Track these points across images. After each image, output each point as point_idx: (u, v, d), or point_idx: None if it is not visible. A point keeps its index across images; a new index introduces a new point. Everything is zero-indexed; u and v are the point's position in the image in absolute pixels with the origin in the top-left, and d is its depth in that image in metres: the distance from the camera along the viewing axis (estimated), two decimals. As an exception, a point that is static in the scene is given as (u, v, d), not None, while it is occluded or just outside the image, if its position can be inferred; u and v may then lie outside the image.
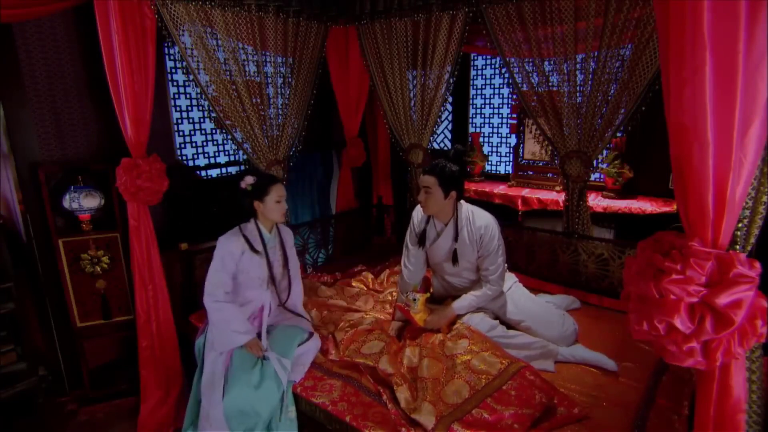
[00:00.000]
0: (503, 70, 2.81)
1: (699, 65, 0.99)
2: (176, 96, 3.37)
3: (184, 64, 2.59)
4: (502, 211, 4.13)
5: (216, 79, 2.68)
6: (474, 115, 4.84)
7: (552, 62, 2.65)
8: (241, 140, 2.91)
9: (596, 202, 3.63)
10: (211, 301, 2.13)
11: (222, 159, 3.75)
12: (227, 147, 3.76)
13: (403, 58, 3.22)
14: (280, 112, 3.12)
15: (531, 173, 4.29)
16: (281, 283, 2.34)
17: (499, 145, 4.73)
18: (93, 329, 2.71)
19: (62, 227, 2.64)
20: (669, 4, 1.03)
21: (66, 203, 2.56)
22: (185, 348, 2.47)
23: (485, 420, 1.69)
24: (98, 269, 2.66)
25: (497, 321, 2.29)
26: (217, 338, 2.11)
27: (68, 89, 2.70)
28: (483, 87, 4.71)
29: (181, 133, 3.44)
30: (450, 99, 4.71)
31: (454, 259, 2.29)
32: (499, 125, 4.69)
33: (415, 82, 3.29)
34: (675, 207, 2.53)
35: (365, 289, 2.98)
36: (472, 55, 4.53)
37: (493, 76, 4.62)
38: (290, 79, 3.12)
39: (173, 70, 3.32)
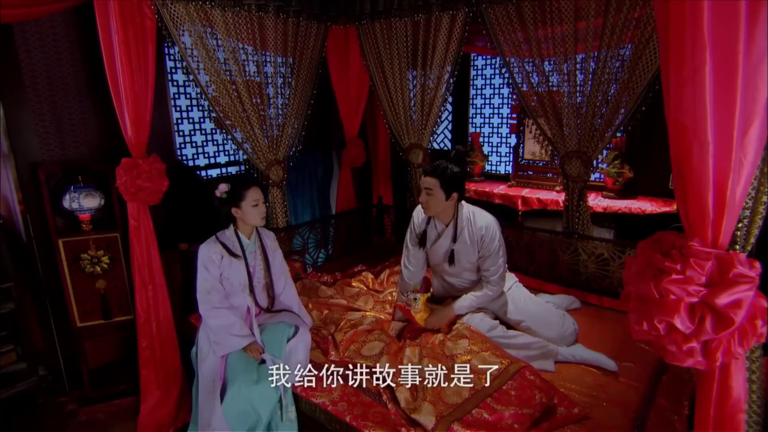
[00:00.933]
0: (503, 70, 2.81)
1: (699, 65, 0.99)
2: (176, 96, 3.37)
3: (184, 64, 2.59)
4: (502, 211, 4.13)
5: (216, 79, 2.68)
6: (474, 115, 4.83)
7: (552, 62, 2.65)
8: (241, 140, 2.91)
9: (596, 202, 3.63)
10: (209, 308, 2.12)
11: (222, 159, 3.75)
12: (227, 147, 3.76)
13: (403, 58, 3.22)
14: (280, 112, 3.12)
15: (531, 173, 4.28)
16: (265, 289, 2.33)
17: (499, 145, 4.73)
18: (93, 329, 2.71)
19: (62, 227, 2.63)
20: (669, 4, 1.03)
21: (66, 203, 2.56)
22: (185, 348, 2.47)
23: (485, 420, 1.69)
24: (98, 269, 2.66)
25: (497, 321, 2.29)
26: (218, 345, 2.10)
27: (68, 89, 2.70)
28: (483, 87, 4.71)
29: (181, 133, 3.44)
30: (450, 99, 4.71)
31: (451, 259, 2.29)
32: (499, 125, 4.68)
33: (415, 82, 3.29)
34: (675, 207, 2.53)
35: (365, 289, 2.97)
36: (472, 55, 4.53)
37: (493, 76, 4.62)
38: (290, 79, 3.12)
39: (173, 70, 3.32)
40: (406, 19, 3.10)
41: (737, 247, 1.12)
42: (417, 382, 1.89)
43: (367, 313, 2.59)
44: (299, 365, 2.11)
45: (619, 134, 2.70)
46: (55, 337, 2.76)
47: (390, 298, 2.80)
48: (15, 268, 2.40)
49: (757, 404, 1.22)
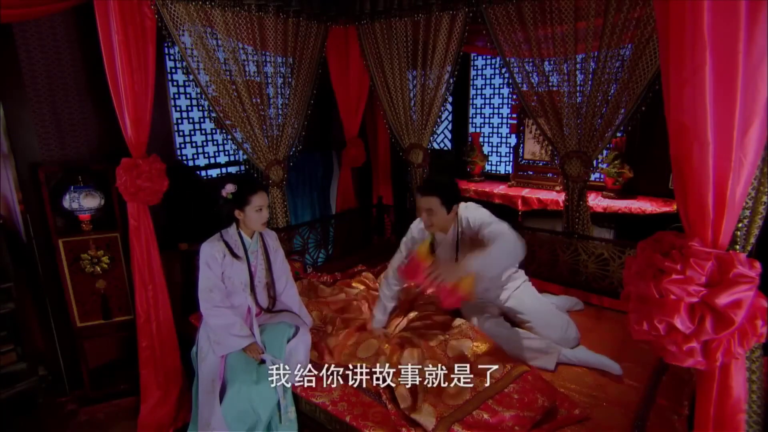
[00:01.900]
0: (503, 70, 2.81)
1: (699, 65, 0.99)
2: (176, 96, 3.37)
3: (184, 64, 2.59)
4: (502, 211, 4.12)
5: (216, 79, 2.68)
6: (474, 115, 4.83)
7: (552, 62, 2.65)
8: (241, 140, 2.91)
9: (596, 202, 3.62)
10: (210, 306, 2.12)
11: (222, 159, 3.75)
12: (227, 147, 3.76)
13: (403, 58, 3.22)
14: (280, 112, 3.12)
15: (531, 173, 4.28)
16: (266, 288, 2.33)
17: (499, 145, 4.73)
18: (93, 329, 2.71)
19: (62, 227, 2.63)
20: (669, 4, 1.03)
21: (66, 203, 2.56)
22: (185, 348, 2.47)
23: (486, 421, 1.69)
24: (98, 269, 2.66)
25: (509, 324, 2.30)
26: (218, 344, 2.10)
27: (68, 89, 2.70)
28: (483, 87, 4.71)
29: (181, 133, 3.44)
30: (450, 99, 4.71)
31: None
32: (499, 125, 4.69)
33: (415, 82, 3.29)
34: (675, 207, 2.53)
35: (365, 289, 2.97)
36: (472, 55, 4.53)
37: (493, 76, 4.62)
38: (290, 79, 3.12)
39: (173, 70, 3.32)
40: (406, 19, 3.10)
41: (737, 247, 1.12)
42: (417, 382, 1.89)
43: (362, 314, 2.59)
44: (299, 366, 2.11)
45: (619, 134, 2.70)
46: (55, 337, 2.76)
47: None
48: (15, 268, 2.40)
49: (757, 404, 1.22)
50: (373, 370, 2.00)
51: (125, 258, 2.68)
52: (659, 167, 3.57)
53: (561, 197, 3.36)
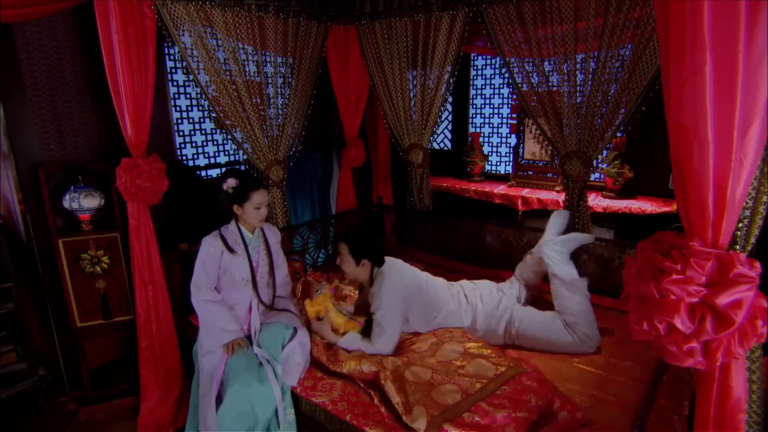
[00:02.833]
0: (503, 70, 2.81)
1: (699, 65, 0.99)
2: (176, 96, 3.37)
3: (184, 64, 2.58)
4: (502, 211, 4.13)
5: (216, 79, 2.68)
6: (474, 115, 4.83)
7: (552, 62, 2.65)
8: (241, 140, 2.91)
9: (596, 202, 3.62)
10: (198, 300, 2.16)
11: (222, 159, 3.75)
12: (227, 147, 3.76)
13: (403, 58, 3.22)
14: (280, 112, 3.12)
15: (531, 173, 4.28)
16: (268, 285, 2.33)
17: (499, 145, 4.73)
18: (93, 329, 2.71)
19: (62, 227, 2.63)
20: (669, 4, 1.03)
21: (66, 203, 2.56)
22: (185, 348, 2.47)
23: (477, 423, 1.68)
24: (98, 269, 2.66)
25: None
26: (205, 337, 2.13)
27: (68, 89, 2.70)
28: (483, 87, 4.71)
29: (181, 133, 3.44)
30: (450, 99, 4.72)
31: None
32: (499, 125, 4.69)
33: (415, 82, 3.29)
34: (675, 207, 2.53)
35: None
36: (472, 55, 4.53)
37: (493, 76, 4.62)
38: (290, 79, 3.12)
39: (173, 70, 3.32)
40: (406, 19, 3.10)
41: (737, 247, 1.12)
42: (406, 386, 1.87)
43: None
44: (298, 368, 2.11)
45: (619, 134, 2.70)
46: (55, 337, 2.76)
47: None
48: (15, 268, 2.39)
49: (757, 404, 1.22)
50: (359, 370, 2.00)
51: (125, 258, 2.68)
52: (659, 167, 3.57)
53: (561, 197, 3.36)
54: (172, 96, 3.33)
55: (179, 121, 3.42)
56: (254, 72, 2.94)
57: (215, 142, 3.69)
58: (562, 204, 2.96)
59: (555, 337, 2.22)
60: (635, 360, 2.10)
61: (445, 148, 5.03)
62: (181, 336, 2.56)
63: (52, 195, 2.56)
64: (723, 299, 1.04)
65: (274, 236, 2.38)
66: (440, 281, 2.42)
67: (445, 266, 3.29)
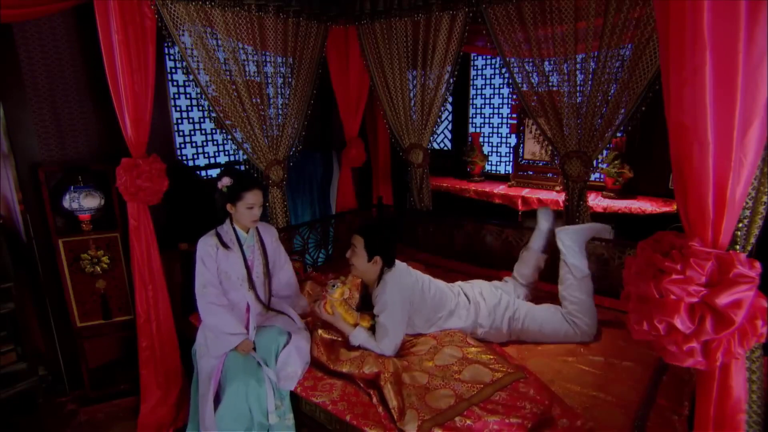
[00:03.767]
0: (503, 70, 2.81)
1: (699, 65, 0.99)
2: (176, 96, 3.37)
3: (184, 64, 2.59)
4: (502, 211, 4.13)
5: (216, 79, 2.68)
6: (474, 115, 4.84)
7: (552, 62, 2.65)
8: (241, 140, 2.91)
9: (596, 202, 3.63)
10: (205, 303, 2.12)
11: (222, 159, 3.75)
12: (227, 147, 3.76)
13: (403, 58, 3.23)
14: (280, 112, 3.12)
15: (531, 173, 4.29)
16: (264, 285, 2.33)
17: (499, 145, 4.73)
18: (93, 329, 2.71)
19: (62, 227, 2.63)
20: (669, 4, 1.03)
21: (66, 203, 2.56)
22: (185, 348, 2.47)
23: (469, 427, 1.67)
24: (98, 269, 2.66)
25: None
26: (212, 343, 2.10)
27: (68, 89, 2.70)
28: (483, 87, 4.71)
29: (181, 133, 3.44)
30: (450, 99, 4.72)
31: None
32: (499, 125, 4.69)
33: (415, 82, 3.29)
34: (675, 207, 2.53)
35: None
36: (472, 55, 4.53)
37: (493, 76, 4.62)
38: (290, 79, 3.12)
39: (173, 70, 3.32)
40: (406, 19, 3.10)
41: (737, 247, 1.12)
42: (403, 389, 1.87)
43: None
44: (295, 373, 2.08)
45: (619, 134, 2.70)
46: (55, 337, 2.76)
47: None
48: (15, 268, 2.39)
49: (757, 404, 1.22)
50: (359, 372, 2.00)
51: (125, 258, 2.68)
52: (659, 167, 3.57)
53: (561, 197, 3.36)
54: (172, 96, 3.33)
55: (179, 121, 3.42)
56: (254, 72, 2.94)
57: (215, 142, 3.69)
58: (562, 204, 2.97)
59: (557, 329, 2.29)
60: (635, 360, 2.10)
61: (445, 148, 5.03)
62: (181, 336, 2.56)
63: (52, 195, 2.56)
64: (723, 299, 1.04)
65: (270, 236, 2.36)
66: (441, 282, 2.42)
67: (445, 266, 3.29)
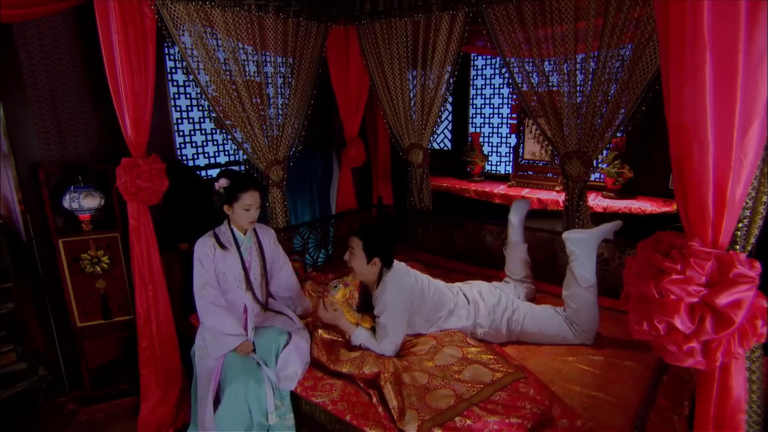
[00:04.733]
0: (503, 70, 2.81)
1: (699, 65, 0.99)
2: (176, 96, 3.37)
3: (184, 64, 2.59)
4: (502, 211, 4.12)
5: (216, 79, 2.68)
6: (474, 115, 4.84)
7: (552, 62, 2.65)
8: (241, 140, 2.91)
9: (596, 202, 3.62)
10: (204, 304, 2.12)
11: (222, 159, 3.75)
12: (227, 147, 3.76)
13: (403, 58, 3.22)
14: (280, 112, 3.12)
15: (531, 173, 4.29)
16: (261, 286, 2.32)
17: (499, 145, 4.73)
18: (93, 329, 2.71)
19: (62, 227, 2.63)
20: (669, 4, 1.03)
21: (66, 203, 2.56)
22: (185, 348, 2.47)
23: (468, 427, 1.67)
24: (98, 269, 2.66)
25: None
26: (211, 344, 2.10)
27: (68, 89, 2.70)
28: (483, 87, 4.71)
29: (181, 133, 3.44)
30: (450, 99, 4.72)
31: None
32: (499, 125, 4.69)
33: (415, 82, 3.29)
34: (675, 207, 2.52)
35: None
36: (472, 55, 4.53)
37: (493, 76, 4.62)
38: (290, 79, 3.12)
39: (173, 70, 3.32)
40: (406, 19, 3.10)
41: (737, 247, 1.12)
42: (403, 389, 1.87)
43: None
44: (295, 374, 2.08)
45: (619, 134, 2.70)
46: (55, 337, 2.76)
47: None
48: (15, 268, 2.39)
49: (757, 404, 1.22)
50: (359, 372, 2.00)
51: (125, 258, 2.68)
52: (659, 167, 3.57)
53: (561, 197, 3.36)
54: (172, 96, 3.33)
55: (179, 121, 3.42)
56: (254, 72, 2.94)
57: (215, 142, 3.69)
58: (562, 204, 2.97)
59: (556, 330, 2.28)
60: (635, 360, 2.10)
61: (445, 148, 5.03)
62: (181, 336, 2.56)
63: (52, 195, 2.56)
64: (723, 299, 1.04)
65: (268, 237, 2.36)
66: (439, 282, 2.42)
67: (445, 266, 3.29)
